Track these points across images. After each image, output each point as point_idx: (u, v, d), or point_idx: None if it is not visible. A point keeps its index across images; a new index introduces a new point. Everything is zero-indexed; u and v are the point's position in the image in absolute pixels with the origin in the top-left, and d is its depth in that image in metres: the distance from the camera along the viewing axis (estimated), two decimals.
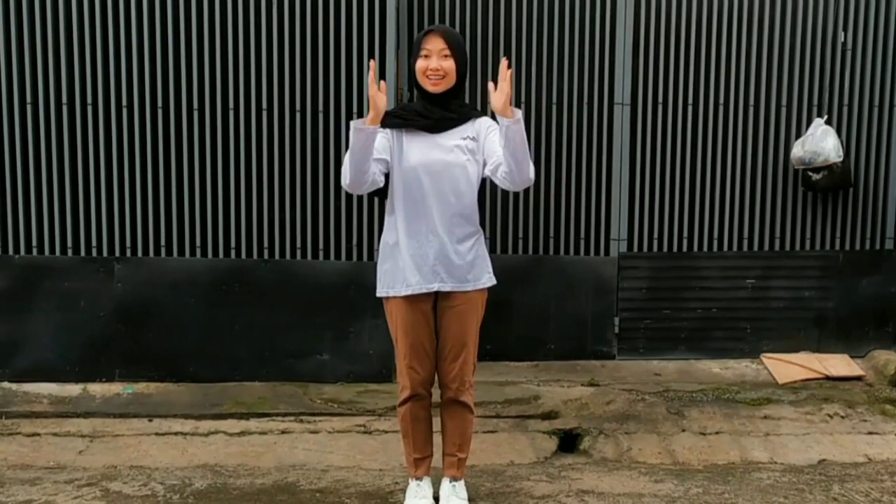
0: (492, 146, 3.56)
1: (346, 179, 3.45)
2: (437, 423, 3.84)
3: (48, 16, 5.18)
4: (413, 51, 3.58)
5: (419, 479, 3.81)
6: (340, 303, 5.36)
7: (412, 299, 3.61)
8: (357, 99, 5.33)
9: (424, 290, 3.60)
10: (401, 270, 3.61)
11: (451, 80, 3.54)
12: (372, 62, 3.44)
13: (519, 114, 3.30)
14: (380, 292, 3.71)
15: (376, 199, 5.18)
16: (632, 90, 5.78)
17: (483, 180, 3.67)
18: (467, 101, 5.63)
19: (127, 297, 5.32)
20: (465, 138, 3.58)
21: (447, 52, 3.51)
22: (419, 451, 3.81)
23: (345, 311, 5.36)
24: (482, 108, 5.67)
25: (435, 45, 3.51)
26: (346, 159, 3.43)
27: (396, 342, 3.71)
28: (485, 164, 3.61)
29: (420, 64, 3.53)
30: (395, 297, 3.64)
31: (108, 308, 5.31)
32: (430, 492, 3.80)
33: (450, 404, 3.77)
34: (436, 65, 3.50)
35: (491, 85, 3.36)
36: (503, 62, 3.36)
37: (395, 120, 3.58)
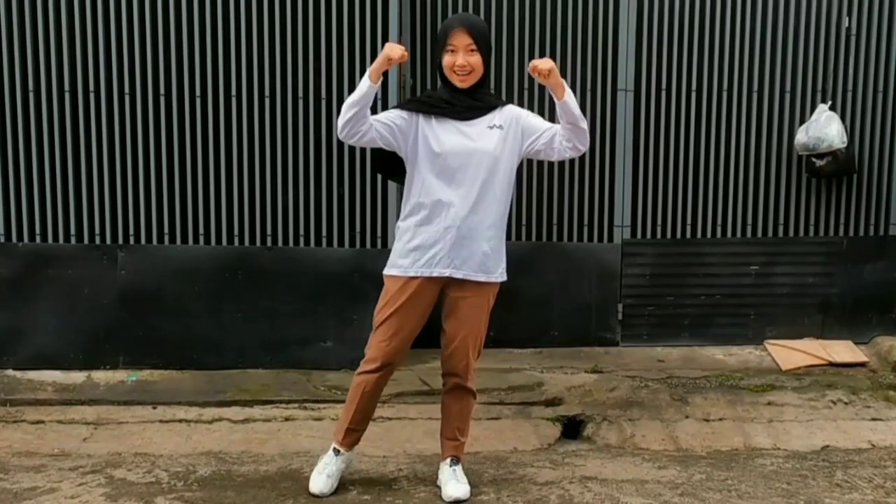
0: (532, 129, 3.67)
1: (340, 123, 3.54)
2: (436, 410, 3.85)
3: (50, 3, 5.17)
4: (439, 43, 3.60)
5: (339, 451, 3.82)
6: (344, 290, 5.36)
7: (419, 282, 3.62)
8: None
9: (436, 275, 3.62)
10: (412, 252, 3.62)
11: (477, 75, 3.59)
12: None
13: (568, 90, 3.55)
14: (387, 270, 3.71)
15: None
16: (635, 76, 5.76)
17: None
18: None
19: (130, 284, 5.32)
20: (491, 127, 3.62)
21: (473, 46, 3.54)
22: (357, 423, 3.81)
23: (348, 298, 5.36)
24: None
25: (461, 40, 3.52)
26: (346, 105, 3.50)
27: (379, 316, 3.68)
28: (527, 150, 3.71)
29: (447, 60, 3.56)
30: (400, 276, 3.64)
31: (112, 295, 5.31)
32: (341, 467, 3.83)
33: (455, 390, 3.81)
34: (462, 61, 3.53)
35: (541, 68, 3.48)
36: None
37: (422, 106, 3.62)
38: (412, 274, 3.63)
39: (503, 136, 3.63)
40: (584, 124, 3.59)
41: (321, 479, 3.78)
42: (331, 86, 5.33)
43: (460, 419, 3.84)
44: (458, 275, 3.63)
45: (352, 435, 3.83)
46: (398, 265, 3.66)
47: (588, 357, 5.67)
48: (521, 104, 5.60)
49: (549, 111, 5.71)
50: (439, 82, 3.73)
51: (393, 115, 3.62)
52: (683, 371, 5.45)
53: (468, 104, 3.61)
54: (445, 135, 3.59)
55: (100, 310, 5.31)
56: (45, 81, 5.22)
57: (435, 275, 3.62)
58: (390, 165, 3.77)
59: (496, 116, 3.65)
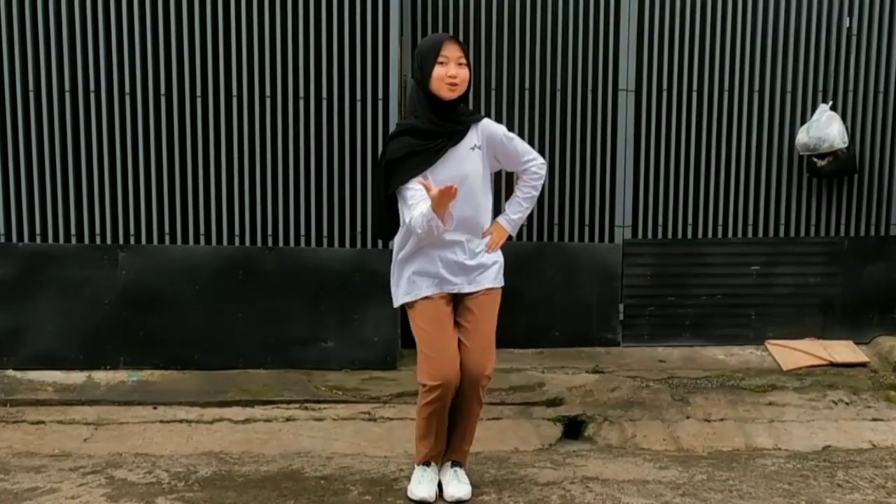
0: (510, 160, 3.79)
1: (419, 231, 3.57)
2: None
3: (50, 2, 5.17)
4: (427, 56, 3.58)
5: (427, 464, 3.82)
6: (345, 290, 5.36)
7: (436, 299, 3.67)
8: (360, 86, 5.31)
9: (446, 291, 3.68)
10: (421, 276, 3.67)
11: (463, 88, 3.61)
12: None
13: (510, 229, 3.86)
14: (403, 300, 3.74)
15: None
16: (636, 76, 5.76)
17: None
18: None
19: (131, 284, 5.32)
20: (472, 148, 3.67)
21: (463, 60, 3.58)
22: (439, 445, 3.81)
23: (349, 298, 5.36)
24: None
25: (452, 52, 3.56)
26: (424, 224, 3.50)
27: (418, 345, 3.72)
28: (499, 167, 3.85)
29: (439, 70, 3.55)
30: (418, 300, 3.68)
31: (113, 296, 5.31)
32: (436, 477, 3.82)
33: (467, 397, 3.76)
34: (454, 72, 3.55)
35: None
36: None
37: (423, 163, 3.59)
38: (425, 295, 3.67)
39: (482, 156, 3.69)
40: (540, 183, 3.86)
41: (423, 487, 3.77)
42: (331, 86, 5.32)
43: (469, 430, 3.84)
44: (467, 289, 3.71)
45: (435, 456, 3.84)
46: (411, 292, 3.70)
47: (589, 357, 5.67)
48: (521, 105, 5.66)
49: (549, 111, 5.72)
50: (409, 107, 3.72)
51: (420, 190, 3.57)
52: (684, 371, 5.44)
53: (451, 129, 3.63)
54: (441, 169, 3.61)
55: (100, 310, 5.30)
56: (45, 81, 5.22)
57: (445, 292, 3.69)
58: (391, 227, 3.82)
59: (474, 136, 3.68)
